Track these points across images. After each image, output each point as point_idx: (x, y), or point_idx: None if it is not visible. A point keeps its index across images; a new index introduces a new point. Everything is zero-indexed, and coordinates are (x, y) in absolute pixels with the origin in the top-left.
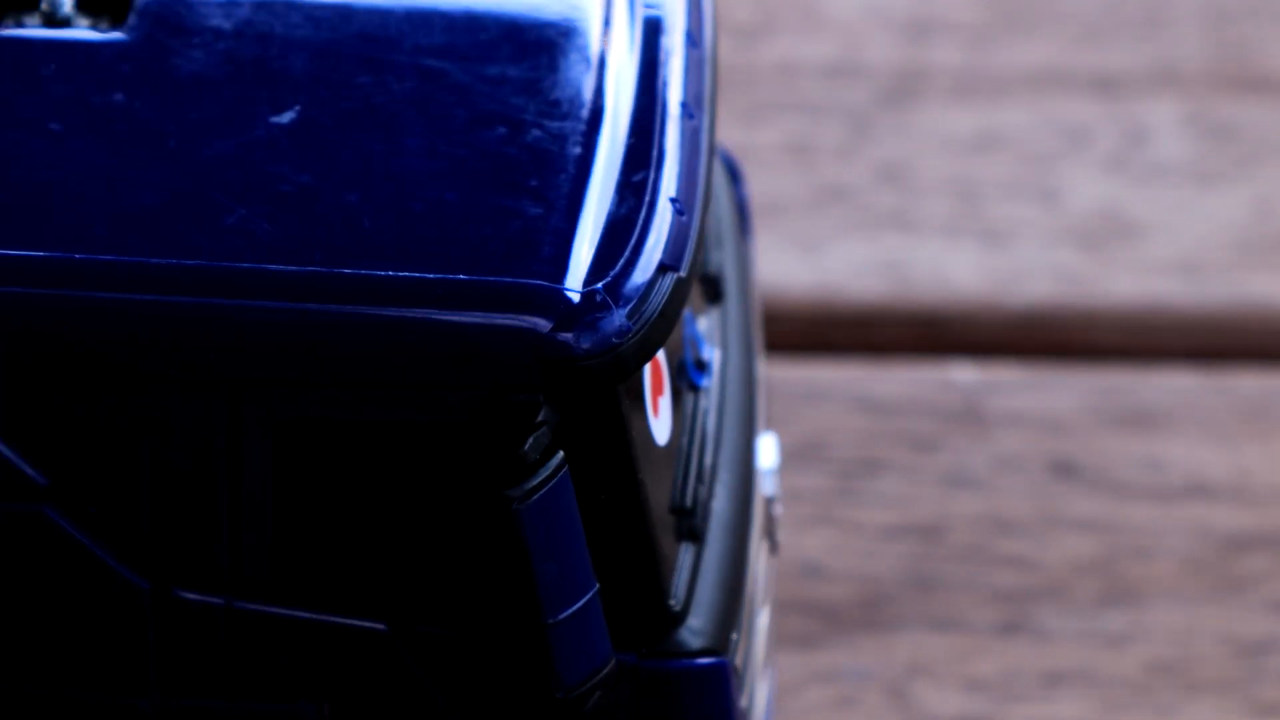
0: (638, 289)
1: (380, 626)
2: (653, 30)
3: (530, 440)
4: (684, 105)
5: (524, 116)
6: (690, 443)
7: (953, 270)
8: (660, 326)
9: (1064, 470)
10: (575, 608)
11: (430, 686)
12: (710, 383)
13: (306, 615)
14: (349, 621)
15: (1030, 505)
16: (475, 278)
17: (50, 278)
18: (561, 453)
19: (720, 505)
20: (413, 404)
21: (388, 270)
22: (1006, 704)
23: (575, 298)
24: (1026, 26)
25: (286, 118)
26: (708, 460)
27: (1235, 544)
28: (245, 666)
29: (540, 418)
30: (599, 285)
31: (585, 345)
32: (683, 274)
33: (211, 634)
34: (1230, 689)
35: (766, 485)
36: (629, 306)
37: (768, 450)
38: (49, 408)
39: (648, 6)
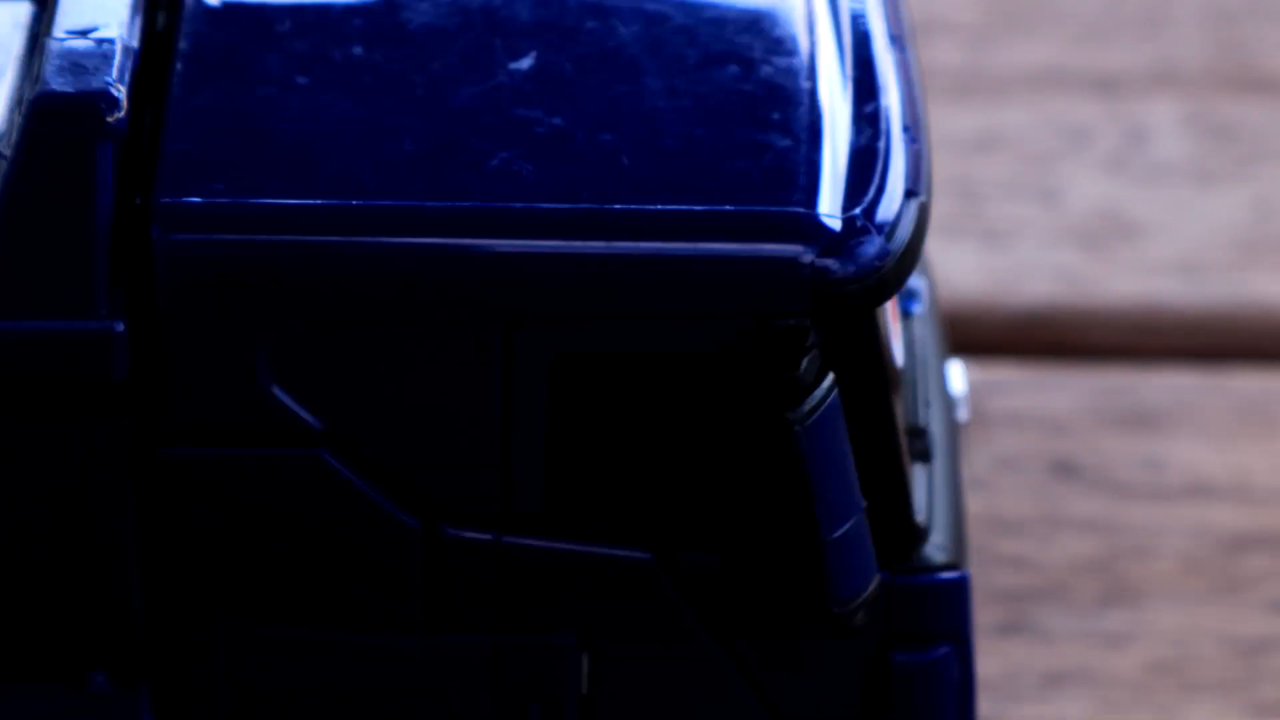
0: (891, 215)
1: (645, 556)
2: None
3: (804, 363)
4: (893, 38)
5: (752, 55)
6: (912, 366)
7: (953, 270)
8: (912, 250)
9: (1064, 470)
10: (848, 526)
11: (690, 613)
12: (920, 309)
13: (572, 547)
14: (614, 552)
15: (1030, 505)
16: (740, 208)
17: (324, 225)
18: (832, 375)
19: (935, 427)
20: (680, 334)
21: (652, 205)
22: (1006, 704)
23: (837, 225)
24: (1026, 26)
25: (525, 64)
26: (924, 383)
27: (1235, 544)
28: (508, 601)
29: (809, 341)
30: (857, 211)
31: (850, 270)
32: (924, 199)
33: (478, 570)
34: (1230, 689)
35: (961, 411)
36: (885, 232)
37: (957, 375)
38: (324, 353)
39: None
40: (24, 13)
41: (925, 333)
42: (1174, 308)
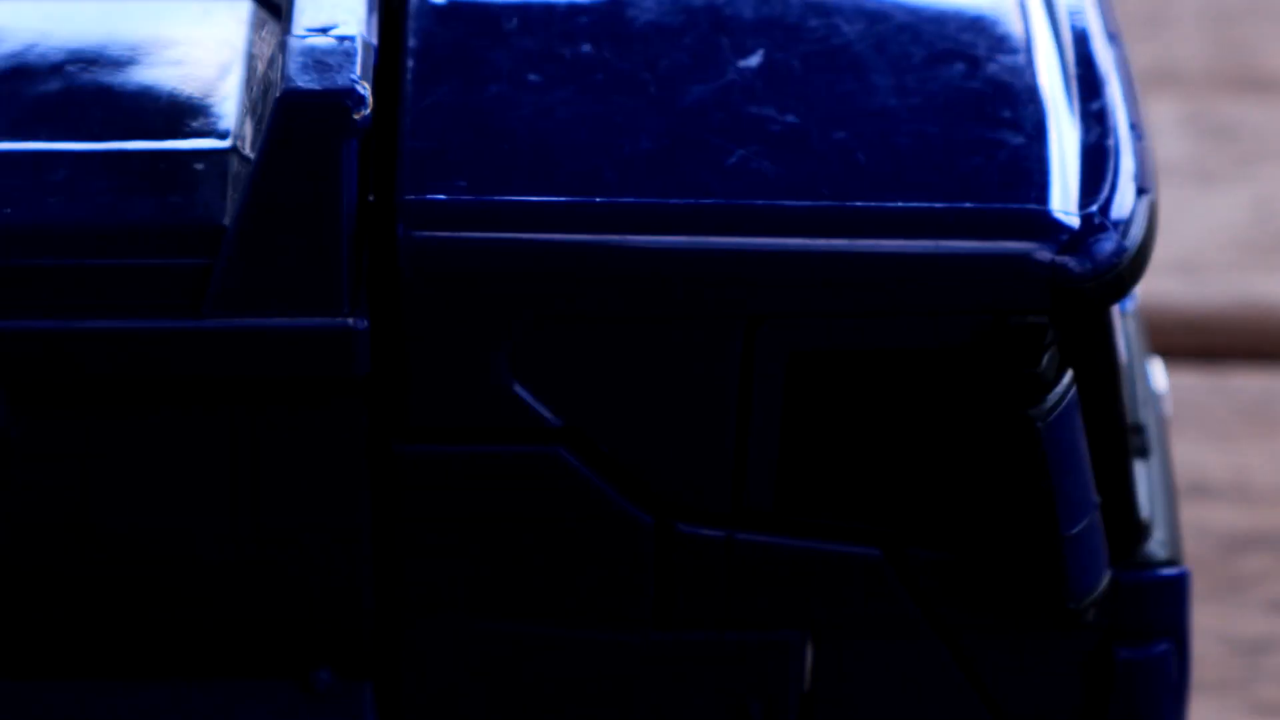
0: (1125, 212)
1: (874, 552)
2: None
3: (1045, 360)
4: (1110, 35)
5: (976, 53)
6: (1129, 363)
7: None
8: (1146, 247)
9: None
10: (1085, 522)
11: (917, 609)
12: (1131, 307)
13: (802, 544)
14: (843, 548)
15: None
16: (978, 205)
17: (568, 222)
18: (1071, 371)
19: (1149, 423)
20: (917, 331)
21: (891, 202)
22: None
23: (1075, 222)
24: None
25: (753, 61)
26: (1138, 380)
27: (1235, 544)
28: (737, 597)
29: (1048, 338)
30: (1093, 209)
31: (1089, 267)
32: (1154, 196)
33: (709, 567)
34: (1230, 689)
35: (1165, 407)
36: (1120, 229)
37: (1159, 373)
38: (564, 350)
39: None
40: (245, 11)
41: (1133, 330)
42: (1174, 308)
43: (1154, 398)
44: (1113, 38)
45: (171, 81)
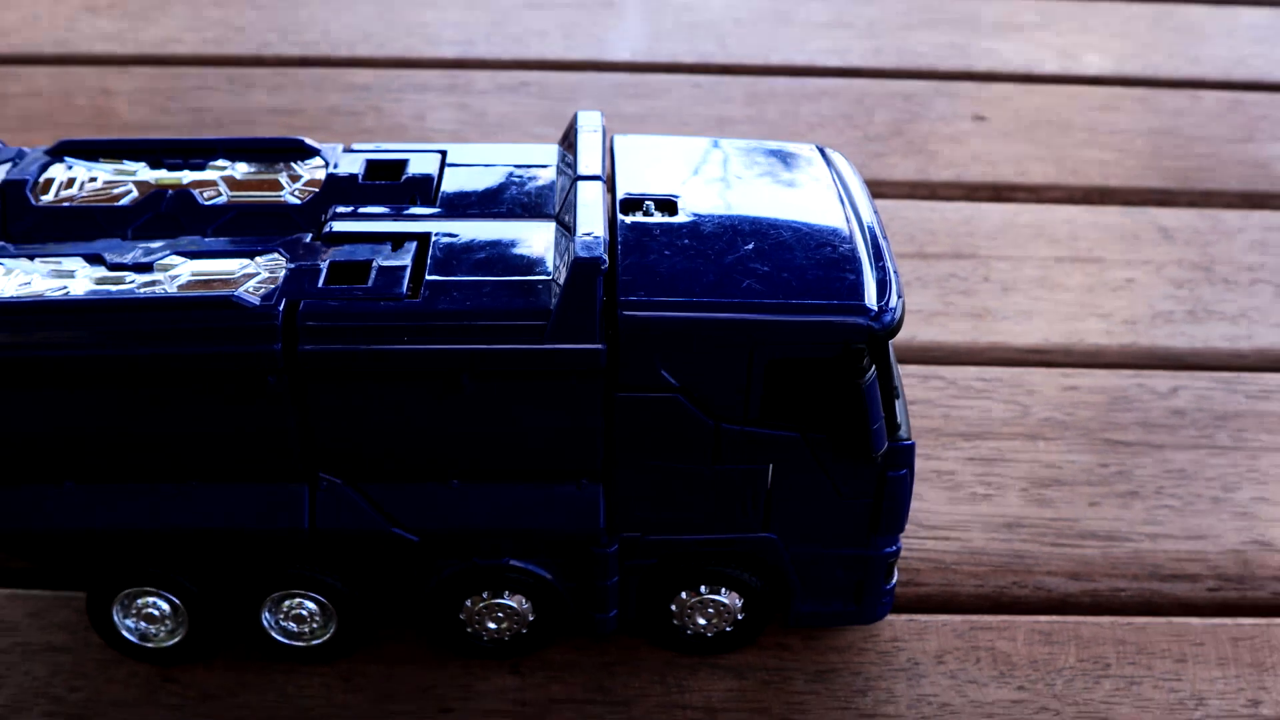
0: (895, 304)
1: (796, 435)
2: (857, 190)
3: (865, 360)
4: (883, 231)
5: (834, 242)
6: (894, 362)
7: None
8: (901, 319)
9: None
10: (879, 423)
11: (812, 456)
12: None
13: (769, 432)
14: (784, 434)
15: None
16: (840, 301)
17: (679, 309)
18: (874, 364)
19: (900, 385)
20: (820, 349)
21: (808, 300)
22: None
23: (875, 308)
24: None
25: (750, 246)
26: (896, 368)
27: None
28: (744, 453)
29: (865, 352)
30: (884, 303)
31: (881, 326)
32: (904, 299)
33: (734, 441)
34: None
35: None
36: (894, 311)
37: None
38: (682, 355)
39: (850, 179)
40: (553, 227)
41: (890, 349)
42: None
43: (900, 376)
44: (883, 232)
45: (529, 250)
